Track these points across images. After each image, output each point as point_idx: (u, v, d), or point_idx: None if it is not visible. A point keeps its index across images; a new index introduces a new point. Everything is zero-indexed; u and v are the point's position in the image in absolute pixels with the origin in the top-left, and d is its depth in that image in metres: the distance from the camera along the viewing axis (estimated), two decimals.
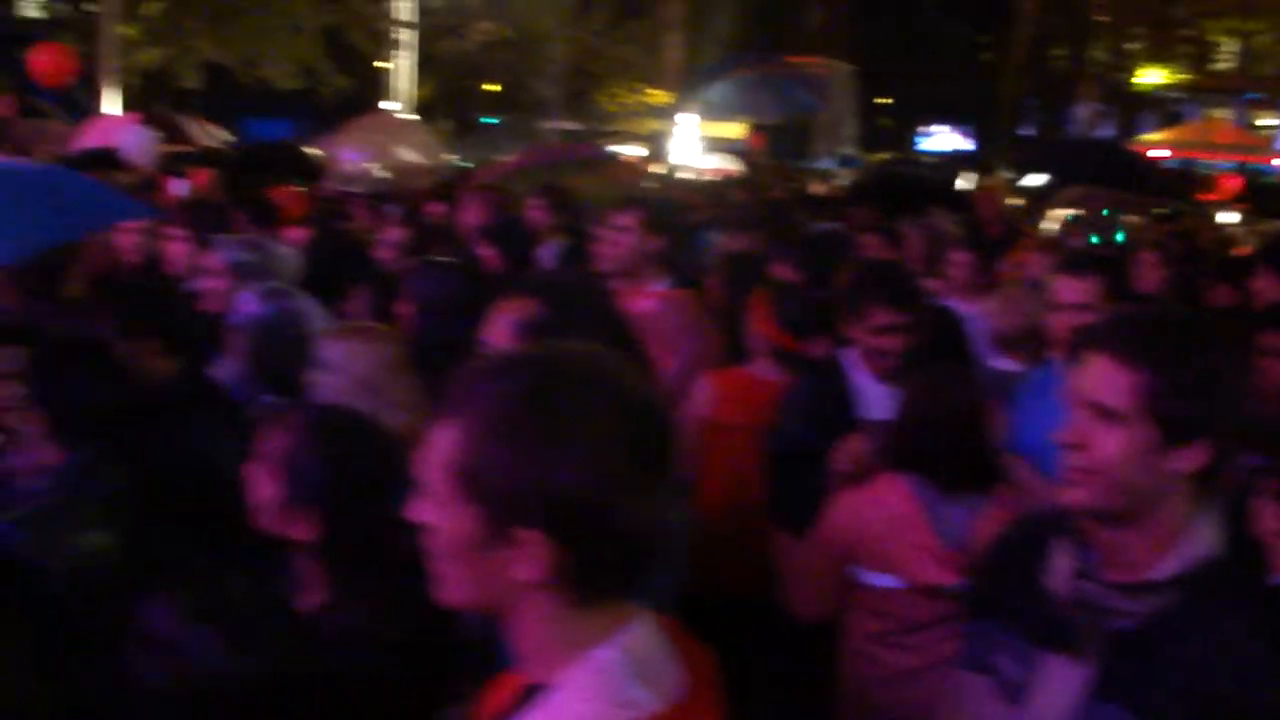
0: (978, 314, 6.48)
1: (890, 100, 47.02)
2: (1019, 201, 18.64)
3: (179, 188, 11.01)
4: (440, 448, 1.81)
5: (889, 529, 4.05)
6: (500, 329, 3.31)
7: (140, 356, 4.61)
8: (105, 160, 11.15)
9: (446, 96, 34.77)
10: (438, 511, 1.83)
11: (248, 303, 5.10)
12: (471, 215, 8.69)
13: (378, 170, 13.30)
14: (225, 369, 5.08)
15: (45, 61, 18.34)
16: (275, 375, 4.85)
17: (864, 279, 5.05)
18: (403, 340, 4.82)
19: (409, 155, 13.70)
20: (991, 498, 4.02)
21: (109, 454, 3.96)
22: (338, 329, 4.84)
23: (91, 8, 28.34)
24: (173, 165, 12.44)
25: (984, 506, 3.99)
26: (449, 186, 12.19)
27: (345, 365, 4.26)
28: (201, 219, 7.06)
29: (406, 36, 32.00)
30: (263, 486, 3.08)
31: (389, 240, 7.72)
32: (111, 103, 23.60)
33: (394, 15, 31.90)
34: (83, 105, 21.31)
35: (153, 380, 4.65)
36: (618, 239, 5.92)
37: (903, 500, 4.07)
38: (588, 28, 35.52)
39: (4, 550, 3.65)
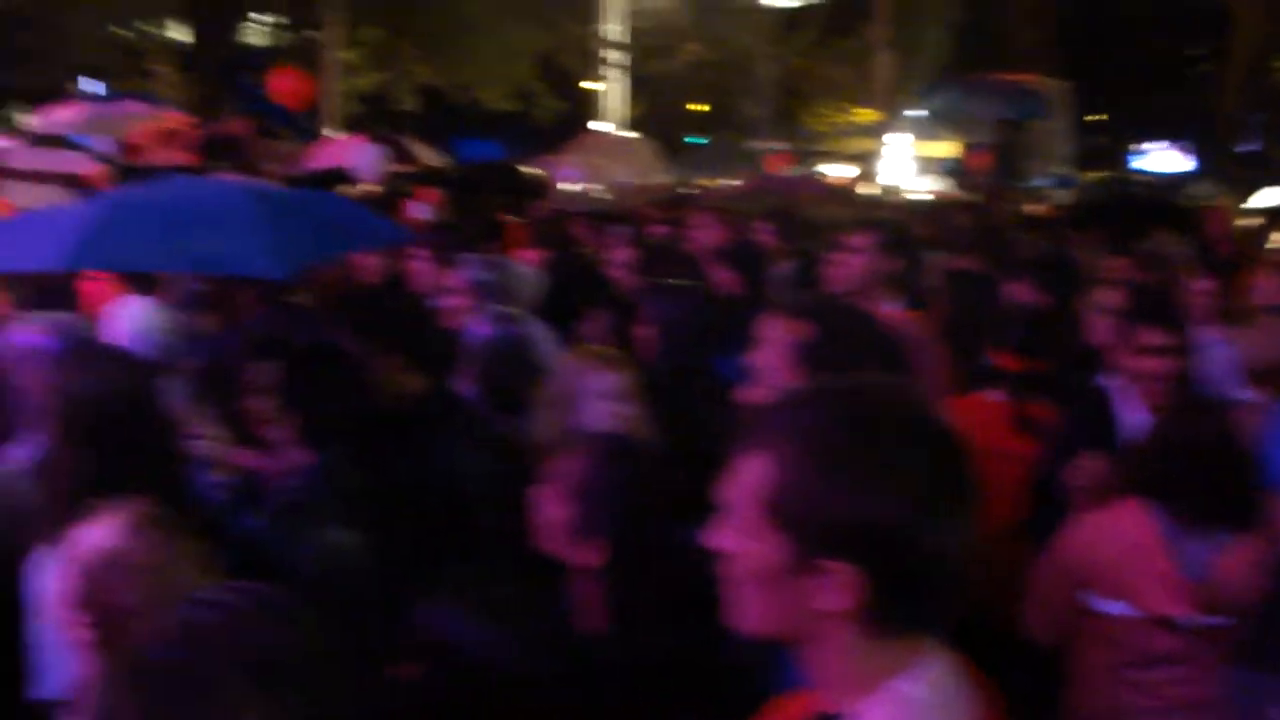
0: (1217, 342, 6.29)
1: (1103, 117, 45.82)
2: (1248, 222, 17.98)
3: (420, 210, 11.26)
4: (750, 476, 1.83)
5: (1125, 555, 3.96)
6: (773, 352, 3.30)
7: (389, 371, 4.77)
8: (336, 179, 11.47)
9: (655, 116, 35.01)
10: (742, 539, 1.84)
11: (478, 325, 5.22)
12: (707, 236, 8.73)
13: (596, 190, 13.45)
14: (465, 386, 5.22)
15: (285, 84, 19.18)
16: (503, 396, 4.95)
17: (1134, 300, 4.95)
18: (640, 364, 4.88)
19: (627, 175, 13.82)
20: (1241, 535, 3.88)
21: (353, 458, 4.12)
22: (582, 355, 4.90)
23: (313, 34, 29.26)
24: (399, 185, 12.74)
25: (1232, 543, 3.87)
26: (672, 206, 12.25)
27: (605, 393, 4.32)
28: (445, 238, 7.24)
29: (617, 57, 32.35)
30: (551, 508, 3.11)
31: (619, 261, 7.79)
32: (332, 125, 24.33)
33: (605, 37, 32.27)
34: (306, 127, 21.99)
35: (400, 394, 4.80)
36: (851, 261, 5.88)
37: (1142, 527, 3.97)
38: (795, 47, 35.43)
39: (257, 545, 3.86)
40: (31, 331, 5.09)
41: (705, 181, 23.21)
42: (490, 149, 30.37)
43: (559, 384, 4.49)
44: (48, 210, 7.61)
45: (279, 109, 19.66)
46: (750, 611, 1.88)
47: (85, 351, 4.60)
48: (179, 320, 5.87)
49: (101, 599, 2.71)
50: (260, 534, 3.97)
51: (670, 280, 5.99)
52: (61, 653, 2.98)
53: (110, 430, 3.75)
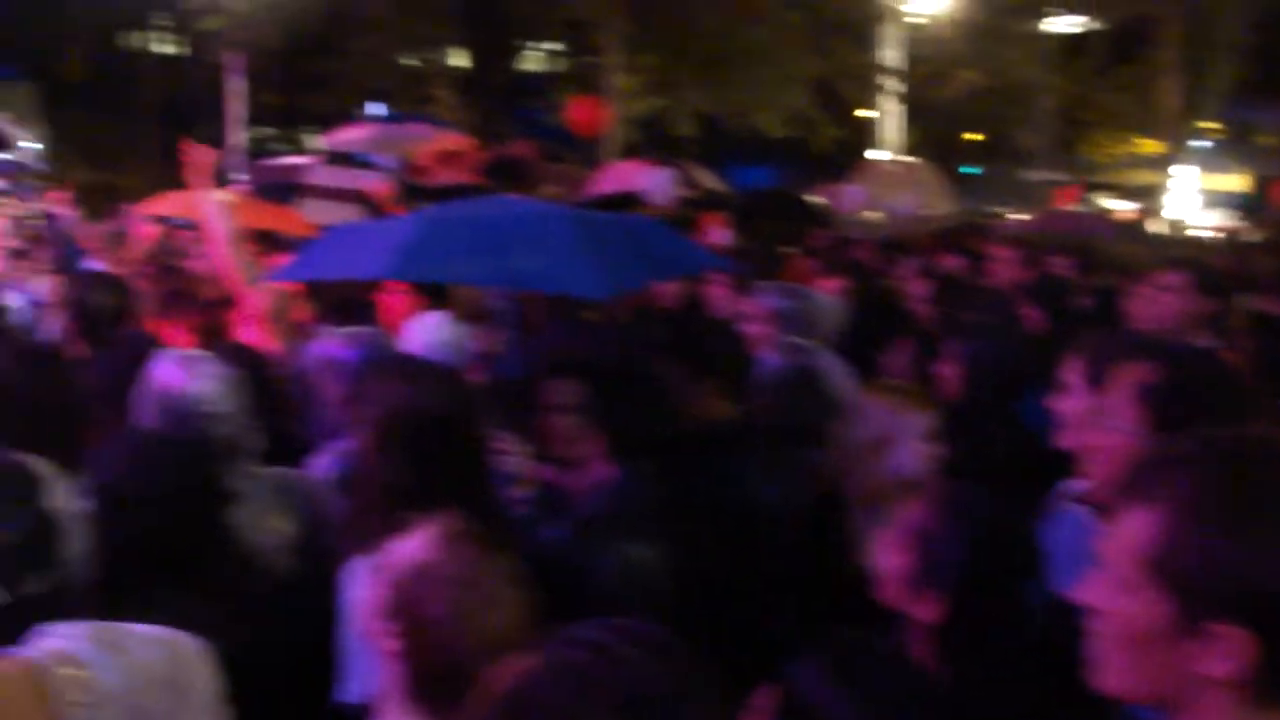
0: None
1: None
2: None
3: (717, 235, 11.32)
4: (1130, 531, 1.76)
5: None
6: (1120, 395, 3.14)
7: (697, 395, 4.75)
8: (627, 202, 11.61)
9: (929, 145, 34.52)
10: (1118, 597, 1.78)
11: (769, 356, 5.18)
12: (1008, 270, 8.53)
13: (877, 218, 13.30)
14: (759, 414, 5.16)
15: (583, 112, 19.79)
16: (793, 427, 4.87)
17: None
18: (941, 402, 4.73)
19: (910, 204, 13.63)
20: None
21: (655, 476, 4.16)
22: (884, 392, 4.75)
23: (591, 60, 29.76)
24: (687, 210, 12.83)
25: None
26: (960, 237, 12.03)
27: (919, 433, 4.20)
28: (745, 265, 7.23)
29: (894, 85, 32.02)
30: (893, 557, 3.02)
31: (916, 294, 7.64)
32: (609, 150, 24.67)
33: (882, 64, 31.98)
34: (587, 152, 22.34)
35: (700, 417, 4.77)
36: (1160, 298, 5.67)
37: None
38: (1076, 75, 34.40)
39: (556, 558, 3.87)
40: (332, 343, 5.23)
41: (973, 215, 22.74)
42: (764, 175, 30.45)
43: (873, 423, 4.33)
44: (367, 224, 7.86)
45: (558, 133, 20.06)
46: (1119, 671, 1.81)
47: (402, 363, 4.71)
48: (475, 335, 5.95)
49: (411, 610, 2.73)
50: (560, 547, 4.02)
51: (975, 316, 5.84)
52: (369, 660, 3.00)
53: (425, 442, 3.79)
